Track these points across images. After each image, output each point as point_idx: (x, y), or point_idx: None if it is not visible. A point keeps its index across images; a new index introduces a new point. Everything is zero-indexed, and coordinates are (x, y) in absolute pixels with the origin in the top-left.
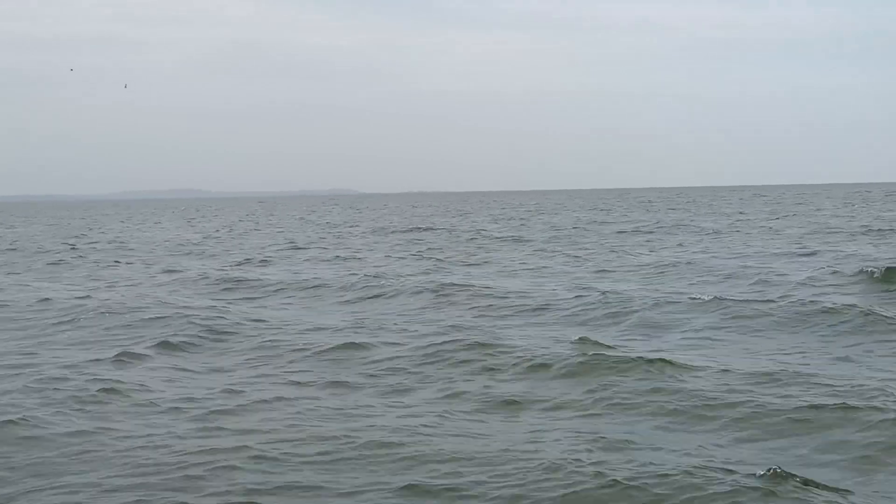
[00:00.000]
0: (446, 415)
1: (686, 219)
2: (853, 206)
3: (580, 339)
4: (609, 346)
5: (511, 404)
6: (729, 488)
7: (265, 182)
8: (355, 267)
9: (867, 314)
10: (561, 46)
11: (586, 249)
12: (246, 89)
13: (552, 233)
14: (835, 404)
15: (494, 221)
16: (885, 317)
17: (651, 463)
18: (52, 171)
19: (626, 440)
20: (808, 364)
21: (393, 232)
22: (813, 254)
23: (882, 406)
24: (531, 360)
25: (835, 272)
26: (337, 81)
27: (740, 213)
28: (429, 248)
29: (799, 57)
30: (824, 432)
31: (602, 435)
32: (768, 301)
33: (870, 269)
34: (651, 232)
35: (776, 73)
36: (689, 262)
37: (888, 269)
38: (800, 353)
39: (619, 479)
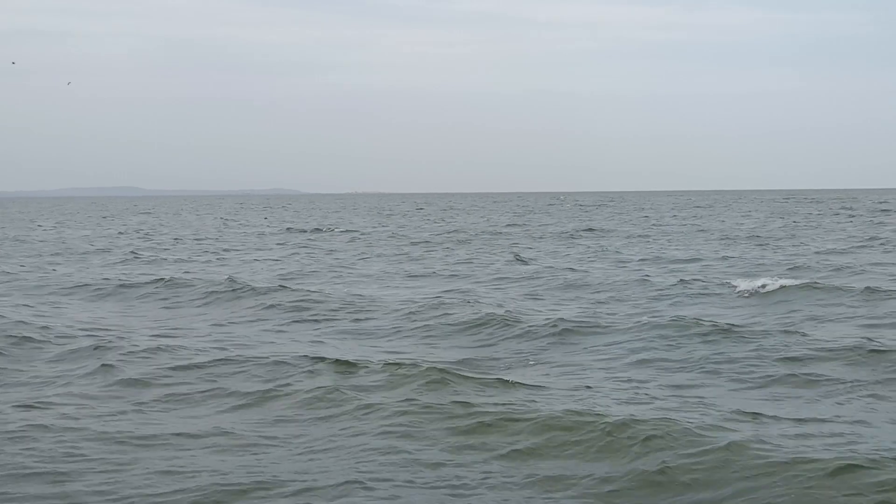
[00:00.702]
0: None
1: (605, 224)
2: (774, 212)
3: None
4: (395, 352)
5: (270, 419)
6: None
7: (219, 181)
8: (226, 269)
9: (674, 327)
10: (509, 47)
11: (469, 255)
12: (191, 84)
13: (454, 235)
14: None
15: (426, 220)
16: (700, 332)
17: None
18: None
19: (384, 450)
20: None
21: (303, 231)
22: (692, 261)
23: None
24: (300, 370)
25: (702, 282)
26: (283, 77)
27: (674, 216)
28: (313, 250)
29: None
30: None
31: (356, 449)
32: (594, 314)
33: (734, 283)
34: (546, 238)
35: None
36: (564, 269)
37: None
38: (587, 368)
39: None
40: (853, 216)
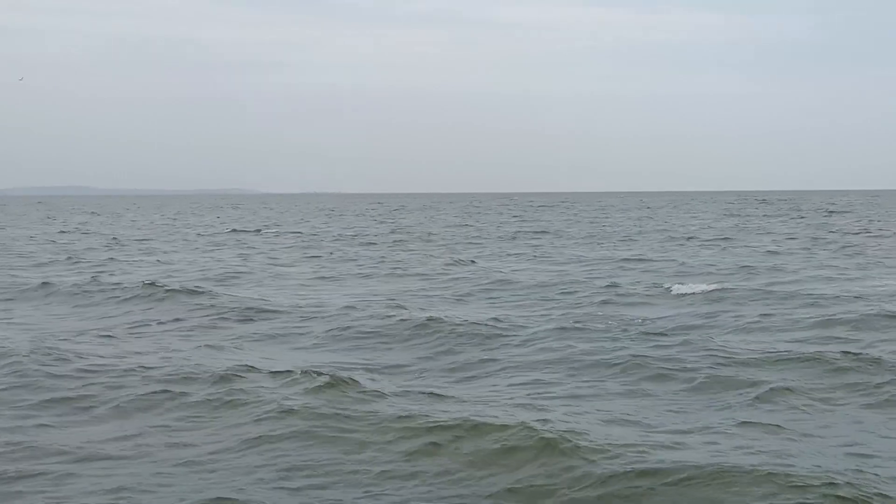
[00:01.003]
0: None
1: (551, 225)
2: (728, 213)
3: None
4: (310, 358)
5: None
6: None
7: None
8: (156, 270)
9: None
10: (509, 48)
11: (409, 256)
12: (191, 84)
13: (397, 236)
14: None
15: (374, 221)
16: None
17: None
18: None
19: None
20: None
21: (246, 232)
22: (632, 262)
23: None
24: (212, 375)
25: (635, 284)
26: (283, 77)
27: (624, 216)
28: (252, 251)
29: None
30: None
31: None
32: (521, 316)
33: (666, 285)
34: (491, 239)
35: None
36: (500, 270)
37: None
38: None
39: None
40: (803, 217)
